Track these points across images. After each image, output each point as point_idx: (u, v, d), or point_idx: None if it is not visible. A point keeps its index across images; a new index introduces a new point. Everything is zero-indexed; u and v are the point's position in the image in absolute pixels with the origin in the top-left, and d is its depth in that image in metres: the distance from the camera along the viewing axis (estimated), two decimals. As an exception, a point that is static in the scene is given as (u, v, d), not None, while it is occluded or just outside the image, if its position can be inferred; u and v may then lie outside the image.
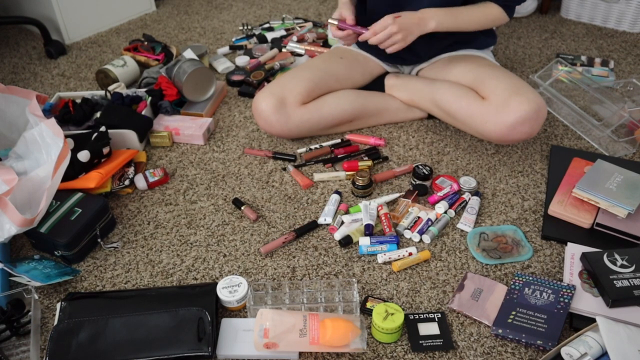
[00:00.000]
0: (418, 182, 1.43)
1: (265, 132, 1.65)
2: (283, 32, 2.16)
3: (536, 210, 1.39)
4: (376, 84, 1.70)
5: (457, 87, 1.50)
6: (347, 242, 1.30)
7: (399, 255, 1.26)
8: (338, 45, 1.74)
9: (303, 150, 1.59)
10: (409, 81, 1.65)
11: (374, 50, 1.62)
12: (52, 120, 1.38)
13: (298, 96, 1.52)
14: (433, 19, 1.41)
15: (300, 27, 2.18)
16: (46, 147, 1.37)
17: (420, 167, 1.43)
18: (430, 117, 1.69)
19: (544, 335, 1.06)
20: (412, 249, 1.27)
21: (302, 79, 1.55)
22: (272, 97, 1.51)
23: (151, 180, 1.48)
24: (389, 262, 1.26)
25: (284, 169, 1.47)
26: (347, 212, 1.39)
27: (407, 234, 1.32)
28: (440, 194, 1.40)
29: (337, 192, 1.44)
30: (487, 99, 1.42)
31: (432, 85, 1.57)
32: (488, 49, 1.66)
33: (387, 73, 1.71)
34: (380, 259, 1.25)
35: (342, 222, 1.36)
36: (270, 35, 2.15)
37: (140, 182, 1.47)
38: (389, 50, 1.41)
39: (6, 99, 1.52)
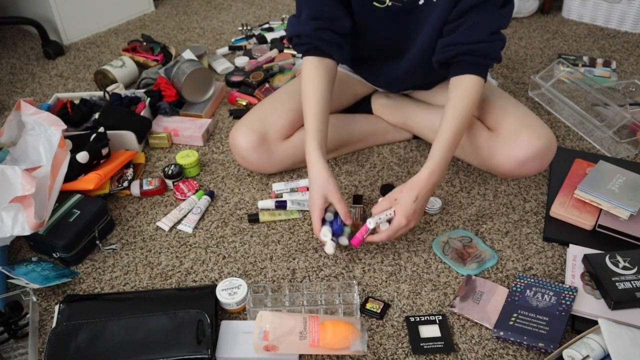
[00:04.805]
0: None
1: (243, 168, 1.54)
2: (283, 33, 2.16)
3: (538, 212, 1.38)
4: (361, 104, 1.59)
5: (461, 114, 1.35)
6: (253, 219, 1.38)
7: (387, 215, 1.19)
8: None
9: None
10: (401, 103, 1.54)
11: (365, 72, 1.51)
12: (48, 113, 1.39)
13: (281, 130, 1.40)
14: (437, 177, 1.21)
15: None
16: (47, 144, 1.36)
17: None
18: (415, 137, 1.60)
19: (545, 338, 1.06)
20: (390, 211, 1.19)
21: (284, 110, 1.42)
22: (252, 133, 1.38)
23: (145, 188, 1.46)
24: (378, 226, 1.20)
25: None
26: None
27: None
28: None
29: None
30: (495, 131, 1.34)
31: (430, 110, 1.48)
32: None
33: (371, 93, 1.60)
34: (371, 224, 1.18)
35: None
36: (269, 36, 2.14)
37: (134, 188, 1.46)
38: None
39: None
